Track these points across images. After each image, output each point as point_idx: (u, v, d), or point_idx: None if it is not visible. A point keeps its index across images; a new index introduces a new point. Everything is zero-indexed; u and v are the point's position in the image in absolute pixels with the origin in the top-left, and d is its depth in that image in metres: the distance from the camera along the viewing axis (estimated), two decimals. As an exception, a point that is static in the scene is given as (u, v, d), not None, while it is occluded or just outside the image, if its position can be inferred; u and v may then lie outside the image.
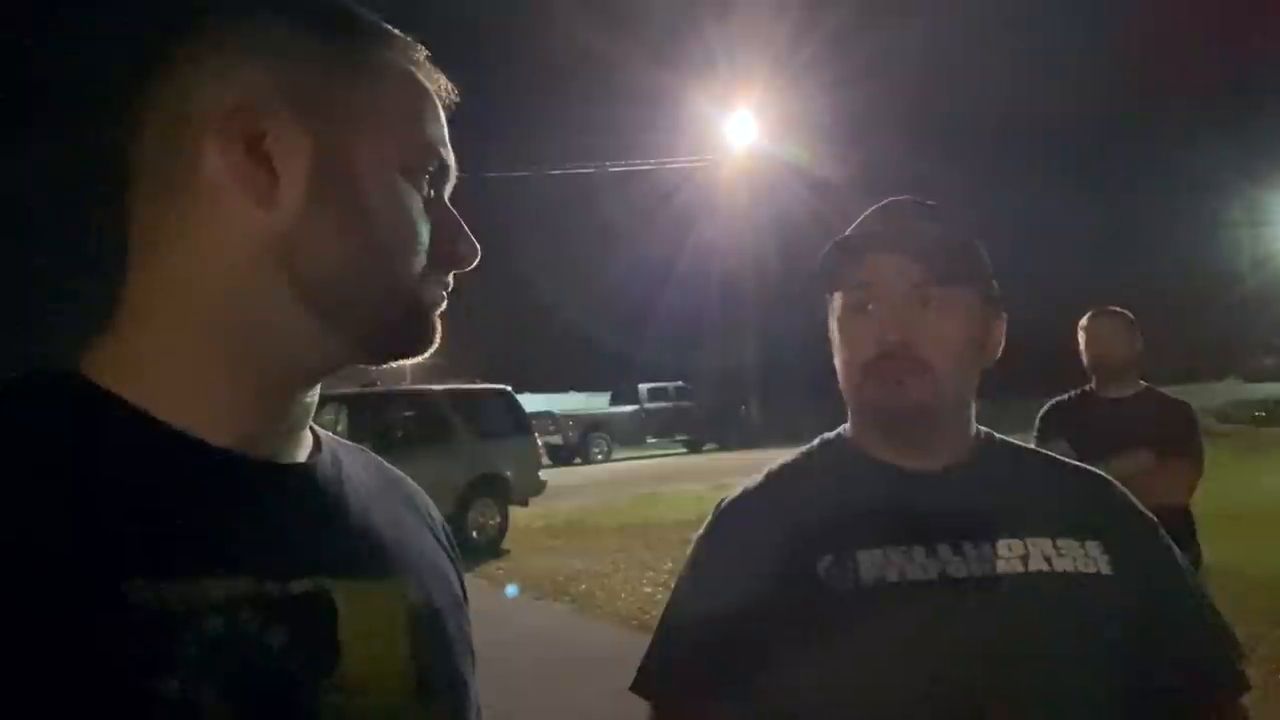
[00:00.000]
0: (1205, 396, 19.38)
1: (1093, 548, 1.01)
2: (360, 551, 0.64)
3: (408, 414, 9.66)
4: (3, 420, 0.54)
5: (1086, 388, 3.11)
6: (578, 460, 20.27)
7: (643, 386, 22.84)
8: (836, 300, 1.08)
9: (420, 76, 0.66)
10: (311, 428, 0.69)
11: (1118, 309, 3.13)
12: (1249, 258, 29.68)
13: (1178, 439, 2.92)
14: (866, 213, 1.11)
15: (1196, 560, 2.93)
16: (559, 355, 29.43)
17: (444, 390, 10.32)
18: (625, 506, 11.86)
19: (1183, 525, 2.91)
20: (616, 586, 7.32)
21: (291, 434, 0.65)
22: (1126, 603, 0.99)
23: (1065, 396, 3.11)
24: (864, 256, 1.05)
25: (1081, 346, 3.08)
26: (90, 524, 0.51)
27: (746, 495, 1.14)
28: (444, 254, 0.65)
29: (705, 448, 22.59)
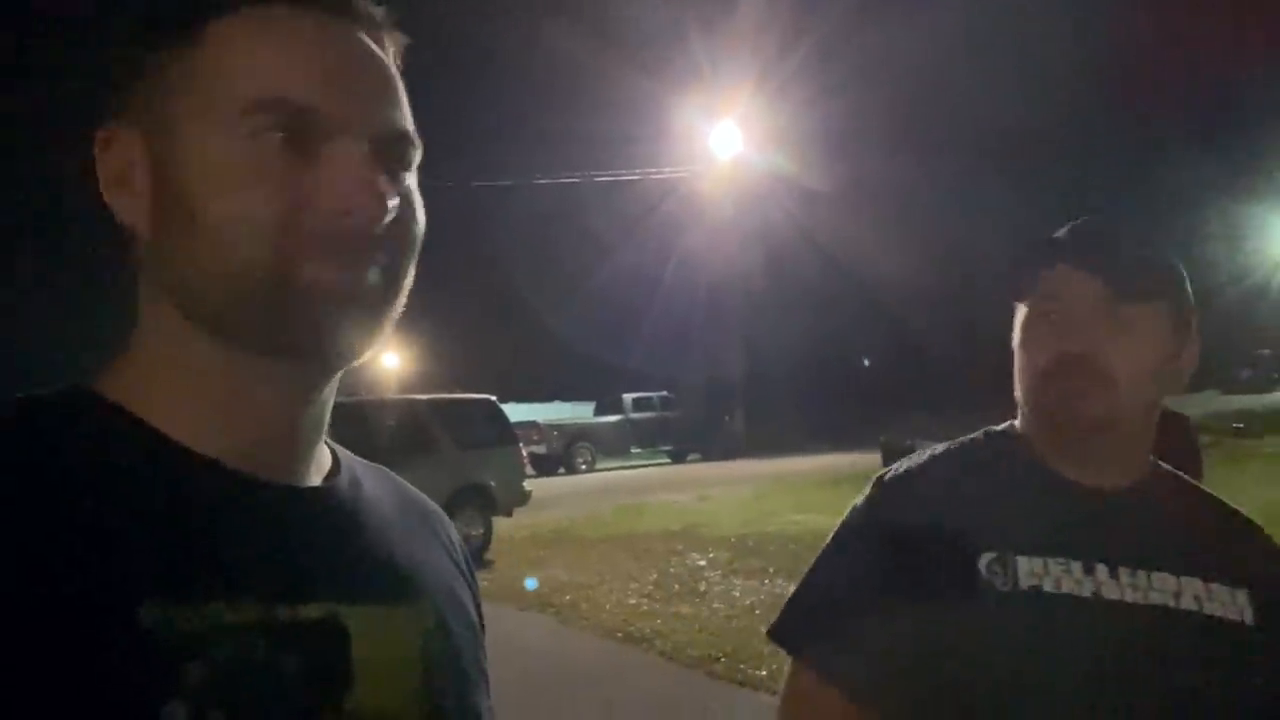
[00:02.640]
0: (1184, 408, 19.51)
1: (1241, 596, 1.01)
2: (376, 577, 0.63)
3: (390, 424, 9.61)
4: (20, 438, 0.54)
5: None
6: (562, 470, 20.21)
7: (627, 396, 22.83)
8: (1021, 309, 1.08)
9: (285, 26, 0.57)
10: (333, 448, 0.68)
11: None
12: (1226, 272, 30.03)
13: (1178, 449, 2.94)
14: (1061, 229, 1.10)
15: None
16: (544, 365, 29.37)
17: (427, 400, 10.28)
18: (609, 517, 11.83)
19: None
20: (601, 598, 7.30)
21: (303, 453, 0.63)
22: (1268, 657, 0.98)
23: None
24: (1053, 266, 1.05)
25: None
26: (103, 544, 0.51)
27: (911, 474, 1.13)
28: (325, 222, 0.55)
29: (689, 458, 22.59)
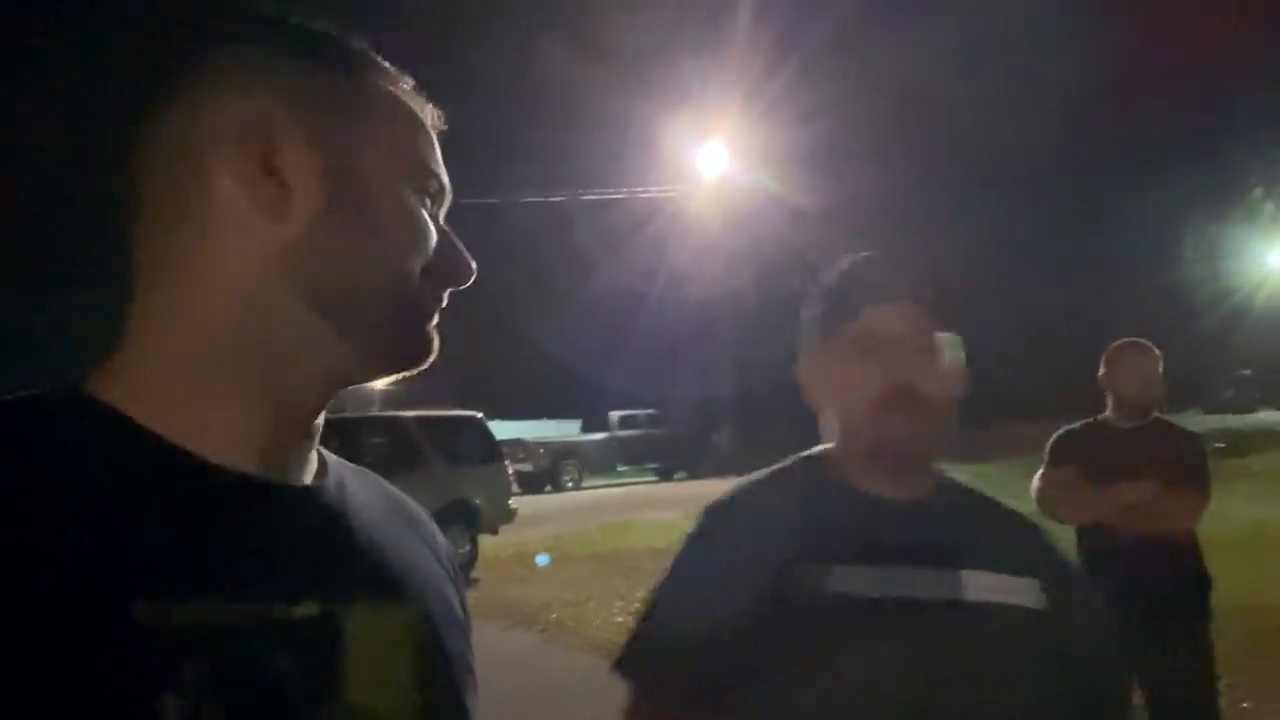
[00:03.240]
0: (1168, 427, 19.65)
1: (1032, 585, 1.11)
2: (366, 576, 0.64)
3: (377, 440, 9.57)
4: (14, 437, 0.54)
5: (1098, 416, 3.13)
6: (549, 488, 20.16)
7: (614, 414, 22.83)
8: (836, 344, 1.15)
9: (409, 103, 0.68)
10: (320, 451, 0.69)
11: (1147, 343, 3.15)
12: (1208, 292, 30.34)
13: (1189, 468, 2.96)
14: (852, 262, 1.19)
15: (1207, 582, 3.02)
16: (532, 383, 29.35)
17: (414, 417, 10.24)
18: (596, 535, 11.80)
19: (1191, 549, 2.97)
20: (588, 615, 7.27)
21: (300, 456, 0.65)
22: (1059, 637, 1.09)
23: (1076, 425, 3.15)
24: (866, 306, 1.13)
25: (1115, 377, 3.08)
26: (99, 542, 0.51)
27: (732, 501, 1.22)
28: (442, 270, 0.67)
29: (676, 476, 22.57)
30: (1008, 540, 1.16)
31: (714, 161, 24.11)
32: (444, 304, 0.69)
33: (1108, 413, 3.11)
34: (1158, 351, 3.13)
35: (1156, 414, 3.14)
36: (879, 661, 1.02)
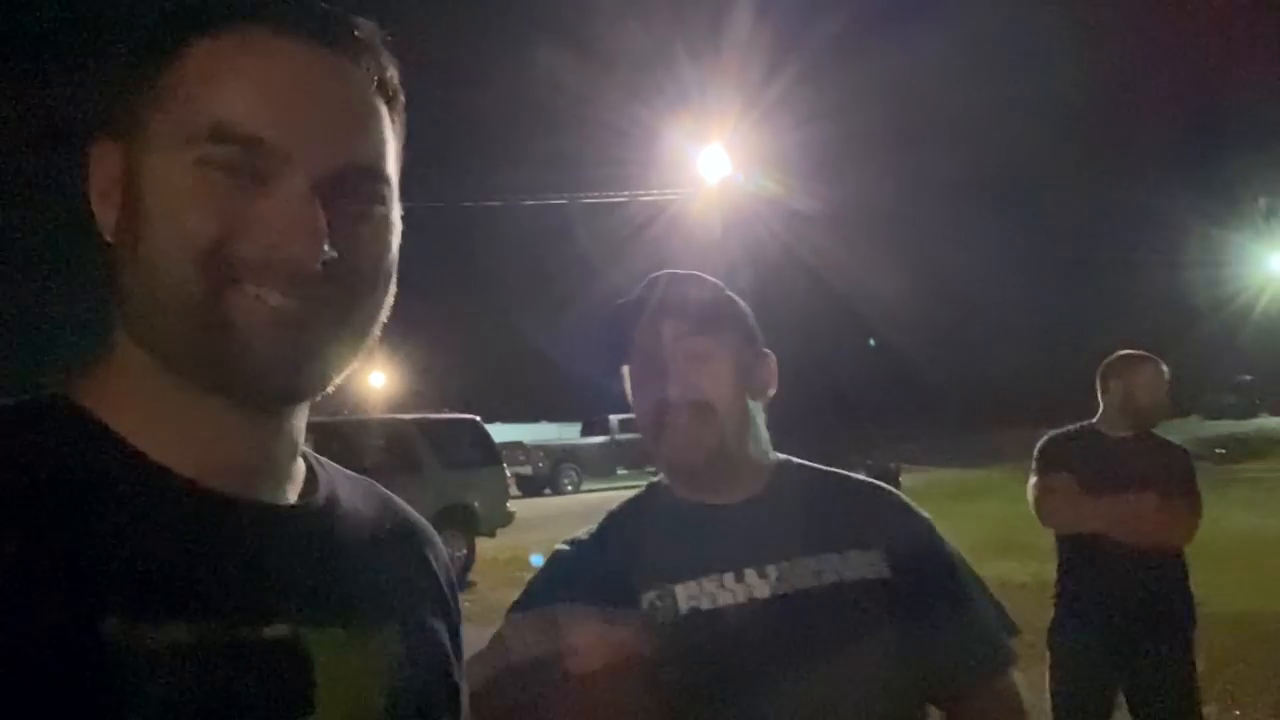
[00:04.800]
0: (1168, 433, 19.67)
1: (875, 555, 1.13)
2: (343, 598, 0.62)
3: (374, 443, 9.55)
4: None
5: (1087, 423, 3.12)
6: (547, 491, 20.12)
7: (613, 418, 22.78)
8: (625, 370, 1.22)
9: (254, 54, 0.56)
10: (312, 463, 0.67)
11: (1153, 356, 3.13)
12: (1208, 298, 30.35)
13: (1178, 482, 2.95)
14: (634, 289, 1.24)
15: (1190, 598, 2.97)
16: (531, 385, 29.33)
17: (412, 420, 10.24)
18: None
19: (1178, 568, 2.95)
20: (584, 619, 7.24)
21: (271, 471, 0.62)
22: (904, 602, 1.11)
23: (1065, 430, 3.13)
24: (636, 325, 1.18)
25: (1122, 386, 3.04)
26: (70, 557, 0.50)
27: (579, 541, 1.25)
28: (257, 254, 0.54)
29: (675, 480, 22.55)
30: (846, 516, 1.17)
31: (715, 165, 24.12)
32: (311, 304, 0.56)
33: (1097, 420, 3.10)
34: (1163, 365, 3.11)
35: (1144, 428, 3.12)
36: (733, 669, 1.03)
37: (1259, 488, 13.14)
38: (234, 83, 0.55)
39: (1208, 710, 4.43)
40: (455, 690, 0.71)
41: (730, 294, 1.24)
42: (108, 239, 0.59)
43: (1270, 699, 4.69)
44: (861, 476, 1.27)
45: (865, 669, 1.06)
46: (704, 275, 1.26)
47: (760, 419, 1.22)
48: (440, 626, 0.71)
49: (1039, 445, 3.10)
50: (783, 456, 1.25)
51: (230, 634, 0.53)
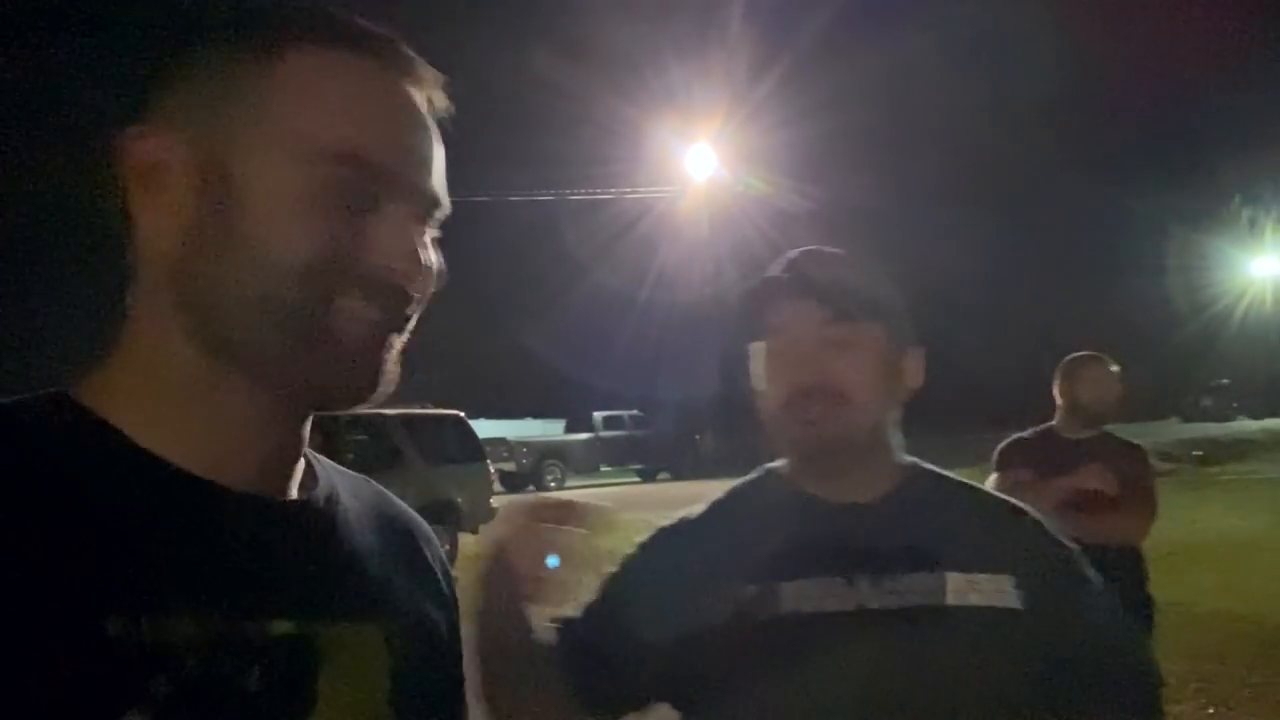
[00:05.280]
0: (1146, 435, 19.86)
1: (1005, 582, 1.04)
2: (346, 594, 0.62)
3: (358, 438, 9.52)
4: None
5: (1047, 426, 3.16)
6: (531, 487, 20.07)
7: (597, 415, 22.77)
8: (758, 347, 1.13)
9: (360, 75, 0.59)
10: (311, 459, 0.67)
11: (1104, 356, 3.18)
12: (1187, 303, 30.65)
13: (1134, 482, 2.99)
14: (775, 263, 1.16)
15: (1148, 602, 2.99)
16: (516, 381, 29.27)
17: (396, 414, 10.19)
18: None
19: (1135, 567, 2.97)
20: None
21: (281, 467, 0.63)
22: (1037, 637, 1.02)
23: (1026, 433, 3.17)
24: (773, 304, 1.10)
25: (1069, 387, 3.10)
26: (74, 553, 0.50)
27: (682, 523, 1.17)
28: (378, 272, 0.57)
29: (659, 477, 22.56)
30: (981, 535, 1.08)
31: (702, 164, 24.14)
32: (399, 316, 0.60)
33: (1055, 422, 3.14)
34: (1115, 366, 3.17)
35: (1103, 427, 3.17)
36: (833, 680, 0.97)
37: (1235, 490, 13.29)
38: (353, 108, 0.57)
39: (1183, 709, 4.49)
40: (457, 682, 0.72)
41: (883, 278, 1.14)
42: (154, 232, 0.58)
43: (1246, 698, 4.75)
44: (1001, 495, 1.17)
45: (979, 703, 0.98)
46: (854, 254, 1.16)
47: (896, 417, 1.14)
48: (441, 619, 0.72)
49: (999, 448, 3.15)
50: (913, 460, 1.16)
51: (236, 628, 0.54)
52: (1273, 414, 25.59)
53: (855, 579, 1.02)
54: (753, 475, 1.20)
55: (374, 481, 0.76)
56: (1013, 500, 1.16)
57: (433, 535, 0.78)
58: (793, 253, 1.15)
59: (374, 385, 0.59)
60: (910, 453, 1.17)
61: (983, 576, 1.03)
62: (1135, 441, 3.21)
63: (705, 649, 1.01)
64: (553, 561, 0.90)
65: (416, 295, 0.60)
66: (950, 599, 1.01)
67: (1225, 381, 29.64)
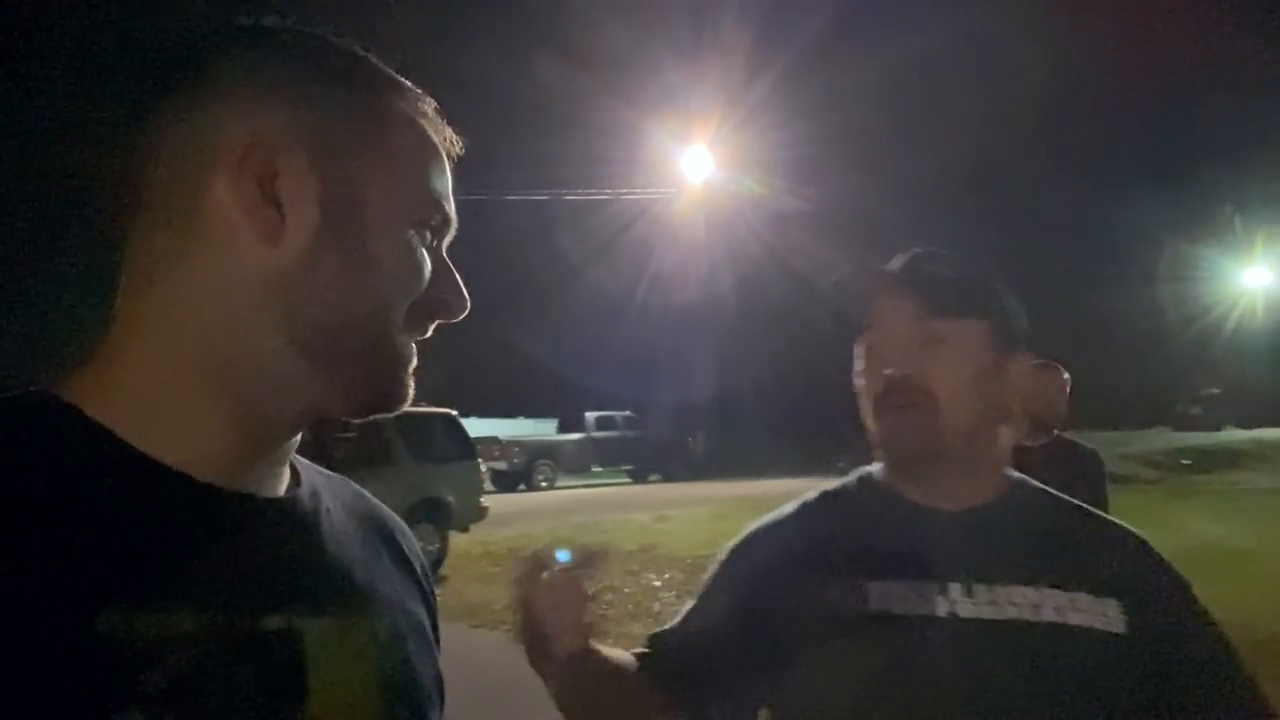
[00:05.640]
0: (1135, 444, 19.97)
1: (1110, 605, 0.99)
2: (333, 589, 0.63)
3: (348, 435, 9.49)
4: None
5: None
6: (522, 487, 20.09)
7: (590, 415, 22.79)
8: (859, 345, 1.11)
9: (428, 129, 0.66)
10: (293, 458, 0.68)
11: (1056, 364, 3.23)
12: (1178, 312, 30.78)
13: (1087, 486, 3.02)
14: (873, 265, 1.13)
15: None
16: (509, 381, 29.25)
17: (387, 412, 10.15)
18: (567, 535, 11.77)
19: None
20: (556, 616, 7.24)
21: (272, 469, 0.64)
22: (1139, 664, 0.97)
23: None
24: (867, 299, 1.08)
25: (1020, 395, 3.13)
26: (63, 550, 0.50)
27: (778, 519, 1.16)
28: (434, 303, 0.65)
29: (650, 478, 22.58)
30: (1086, 553, 1.04)
31: (698, 166, 24.15)
32: (427, 335, 0.67)
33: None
34: (1065, 373, 3.21)
35: (1056, 432, 3.21)
36: (917, 685, 0.95)
37: (1223, 499, 13.35)
38: (433, 154, 0.66)
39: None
40: (439, 676, 0.73)
41: (990, 279, 1.10)
42: (263, 237, 0.59)
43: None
44: (1110, 517, 1.13)
45: None
46: (956, 254, 1.11)
47: (1001, 426, 1.09)
48: (422, 612, 0.73)
49: None
50: (1020, 475, 1.12)
51: (226, 624, 0.54)
52: (1262, 424, 25.73)
53: (948, 585, 1.00)
54: (853, 476, 1.18)
55: (350, 480, 0.77)
56: (1126, 524, 1.11)
57: (409, 530, 0.80)
58: (900, 255, 1.11)
59: (408, 398, 0.66)
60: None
61: (1084, 596, 0.99)
62: (1090, 446, 3.26)
63: (795, 648, 1.01)
64: (562, 555, 0.90)
65: (458, 320, 0.68)
66: (1048, 615, 0.98)
67: (1215, 391, 29.76)
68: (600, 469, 22.63)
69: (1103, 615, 0.99)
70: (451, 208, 0.67)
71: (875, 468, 1.15)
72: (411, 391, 0.66)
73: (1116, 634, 0.98)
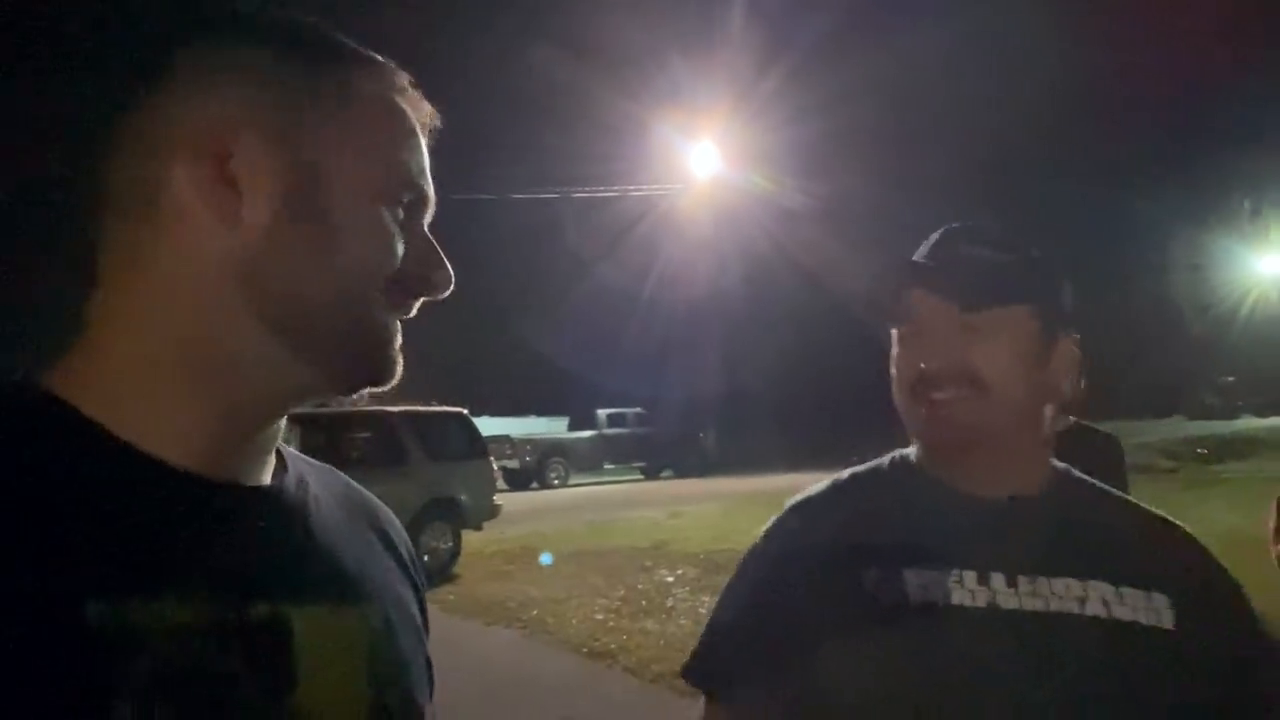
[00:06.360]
0: (1151, 433, 19.85)
1: (1159, 600, 0.97)
2: (322, 577, 0.64)
3: (361, 435, 9.52)
4: None
5: None
6: (534, 485, 20.12)
7: (601, 412, 22.78)
8: (893, 333, 1.08)
9: (402, 104, 0.66)
10: (280, 447, 0.68)
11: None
12: (1193, 300, 30.56)
13: (1108, 473, 2.99)
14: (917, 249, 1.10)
15: None
16: (519, 379, 29.29)
17: (399, 412, 10.20)
18: (580, 532, 11.79)
19: None
20: (568, 613, 7.26)
21: (257, 456, 0.64)
22: (1188, 662, 0.95)
23: None
24: (907, 288, 1.05)
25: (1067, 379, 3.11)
26: (49, 541, 0.50)
27: (811, 500, 1.14)
28: (416, 280, 0.65)
29: (662, 474, 22.57)
30: (1134, 547, 1.01)
31: (706, 161, 24.11)
32: (412, 313, 0.67)
33: None
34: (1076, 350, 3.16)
35: (1074, 419, 3.17)
36: (956, 675, 0.93)
37: (1240, 488, 13.25)
38: (407, 130, 0.66)
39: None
40: (429, 663, 0.73)
41: (1036, 258, 1.06)
42: (222, 221, 0.59)
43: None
44: (1159, 512, 1.09)
45: (1115, 718, 0.92)
46: (1002, 230, 1.08)
47: (1045, 413, 1.06)
48: (411, 599, 0.74)
49: None
50: (1064, 465, 1.10)
51: (214, 613, 0.54)
52: (1277, 412, 25.53)
53: (989, 575, 0.97)
54: (885, 459, 1.14)
55: (336, 469, 0.77)
56: (1175, 520, 1.09)
57: (396, 520, 0.80)
58: (940, 231, 1.08)
59: (397, 373, 0.65)
60: (906, 447, 1.14)
61: (1132, 591, 0.97)
62: (1108, 431, 3.22)
63: (827, 635, 0.99)
64: (546, 559, 0.90)
65: (443, 296, 0.67)
66: (1094, 608, 0.96)
67: (1230, 379, 29.58)
68: (612, 466, 22.61)
69: (1151, 611, 0.96)
70: (428, 182, 0.67)
71: (910, 451, 1.12)
72: (398, 368, 0.65)
73: (1165, 629, 0.96)
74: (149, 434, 0.57)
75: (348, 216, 0.61)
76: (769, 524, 1.14)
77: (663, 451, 22.90)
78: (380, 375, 0.65)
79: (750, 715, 1.06)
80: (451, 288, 0.68)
